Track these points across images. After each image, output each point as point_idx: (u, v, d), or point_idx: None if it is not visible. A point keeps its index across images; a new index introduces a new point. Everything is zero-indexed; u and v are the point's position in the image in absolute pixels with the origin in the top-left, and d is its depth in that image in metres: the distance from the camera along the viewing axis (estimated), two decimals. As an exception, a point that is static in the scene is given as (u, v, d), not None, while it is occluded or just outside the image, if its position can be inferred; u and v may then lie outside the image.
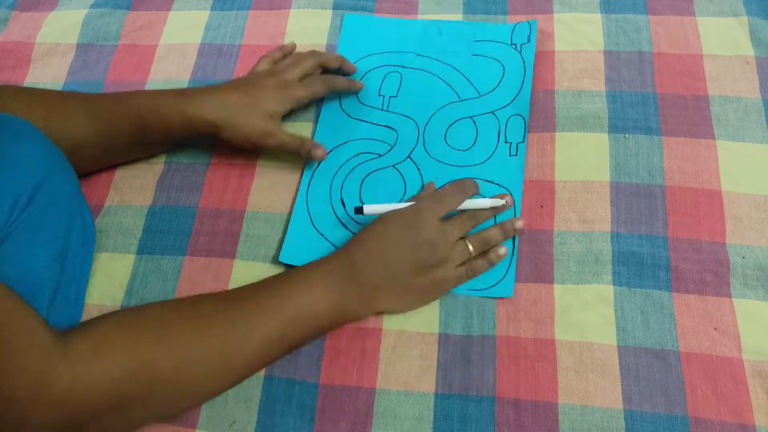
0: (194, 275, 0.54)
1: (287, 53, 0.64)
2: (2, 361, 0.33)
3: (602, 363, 0.47)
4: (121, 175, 0.60)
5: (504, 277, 0.51)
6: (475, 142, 0.58)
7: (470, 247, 0.50)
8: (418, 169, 0.57)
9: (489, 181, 0.56)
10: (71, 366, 0.35)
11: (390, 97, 0.62)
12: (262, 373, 0.49)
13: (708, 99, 0.58)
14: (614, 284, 0.50)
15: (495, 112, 0.59)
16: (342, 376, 0.48)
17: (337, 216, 0.55)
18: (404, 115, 0.60)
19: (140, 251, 0.55)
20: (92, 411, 0.35)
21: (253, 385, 0.48)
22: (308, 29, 0.68)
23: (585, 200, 0.54)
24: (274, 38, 0.68)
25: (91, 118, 0.53)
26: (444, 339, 0.49)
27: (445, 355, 0.49)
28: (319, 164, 0.58)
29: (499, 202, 0.53)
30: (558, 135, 0.58)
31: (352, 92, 0.62)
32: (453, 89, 0.61)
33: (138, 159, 0.60)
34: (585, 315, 0.49)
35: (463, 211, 0.51)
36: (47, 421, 0.34)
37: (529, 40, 0.63)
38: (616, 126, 0.58)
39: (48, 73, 0.68)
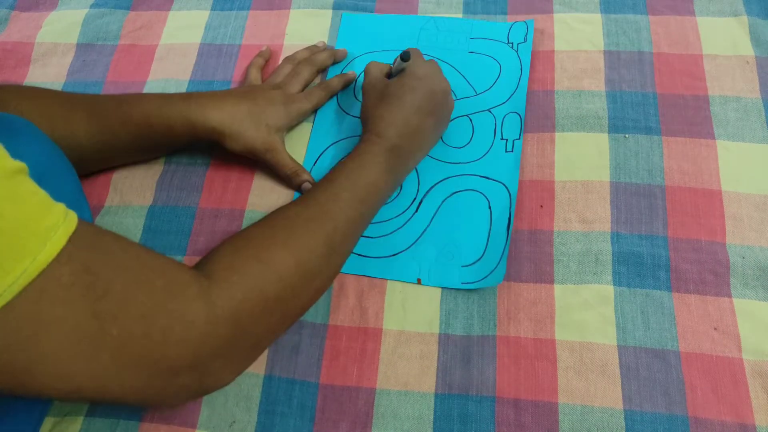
0: (194, 275, 0.54)
1: (268, 57, 0.66)
2: (172, 297, 0.36)
3: (602, 363, 0.47)
4: (121, 175, 0.60)
5: (497, 266, 0.51)
6: (471, 140, 0.58)
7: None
8: (415, 167, 0.57)
9: (485, 177, 0.56)
10: (222, 285, 0.39)
11: None
12: (262, 372, 0.49)
13: (708, 99, 0.58)
14: (614, 284, 0.50)
15: (491, 110, 0.60)
16: (342, 376, 0.48)
17: None
18: None
19: (140, 251, 0.55)
20: (250, 314, 0.40)
21: (253, 385, 0.48)
22: (308, 29, 0.68)
23: (585, 200, 0.54)
24: (274, 38, 0.68)
25: (92, 119, 0.53)
26: (444, 339, 0.49)
27: (445, 355, 0.49)
28: (316, 162, 0.58)
29: None
30: (558, 135, 0.58)
31: (349, 87, 0.63)
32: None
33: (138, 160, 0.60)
34: (585, 315, 0.49)
35: None
36: (225, 336, 0.38)
37: (525, 40, 0.63)
38: (616, 126, 0.58)
39: (48, 73, 0.68)
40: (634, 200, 0.54)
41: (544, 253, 0.52)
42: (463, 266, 0.52)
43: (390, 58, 0.64)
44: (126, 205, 0.58)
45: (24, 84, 0.67)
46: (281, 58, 0.66)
